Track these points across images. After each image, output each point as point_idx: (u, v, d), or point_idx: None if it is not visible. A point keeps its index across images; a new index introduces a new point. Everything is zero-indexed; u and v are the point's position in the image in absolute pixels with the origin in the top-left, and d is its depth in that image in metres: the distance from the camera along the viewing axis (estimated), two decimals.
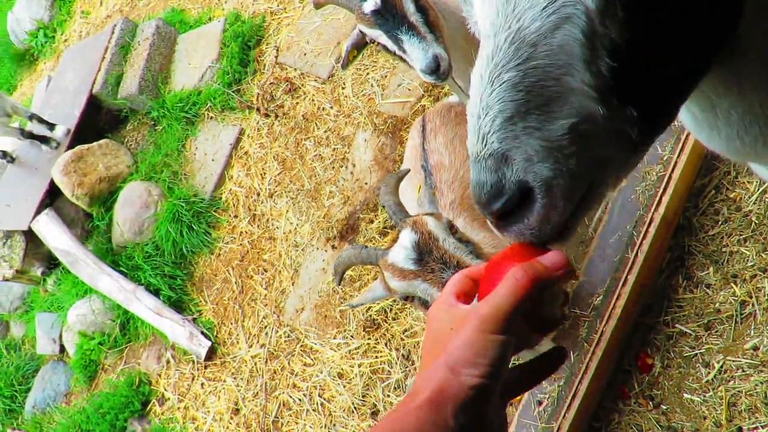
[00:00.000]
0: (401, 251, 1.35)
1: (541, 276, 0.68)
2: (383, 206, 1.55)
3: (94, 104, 4.64)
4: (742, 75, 0.75)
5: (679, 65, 0.66)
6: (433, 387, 0.66)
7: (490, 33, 0.64)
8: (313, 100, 3.97)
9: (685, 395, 1.91)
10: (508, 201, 0.65)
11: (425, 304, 1.43)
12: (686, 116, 0.87)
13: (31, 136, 4.46)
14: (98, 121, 4.73)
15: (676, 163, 1.96)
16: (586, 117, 0.63)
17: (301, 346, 3.41)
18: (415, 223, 1.39)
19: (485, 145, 0.64)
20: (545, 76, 0.62)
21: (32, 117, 4.46)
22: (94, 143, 4.45)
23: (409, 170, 1.77)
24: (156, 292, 3.99)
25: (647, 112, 0.65)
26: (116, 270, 4.08)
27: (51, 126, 4.49)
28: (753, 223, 1.95)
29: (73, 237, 4.18)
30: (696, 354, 1.93)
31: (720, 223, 2.01)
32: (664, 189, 1.96)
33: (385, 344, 3.04)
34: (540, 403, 2.16)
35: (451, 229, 1.41)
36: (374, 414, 2.97)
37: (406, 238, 1.36)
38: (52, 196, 4.36)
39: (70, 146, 4.42)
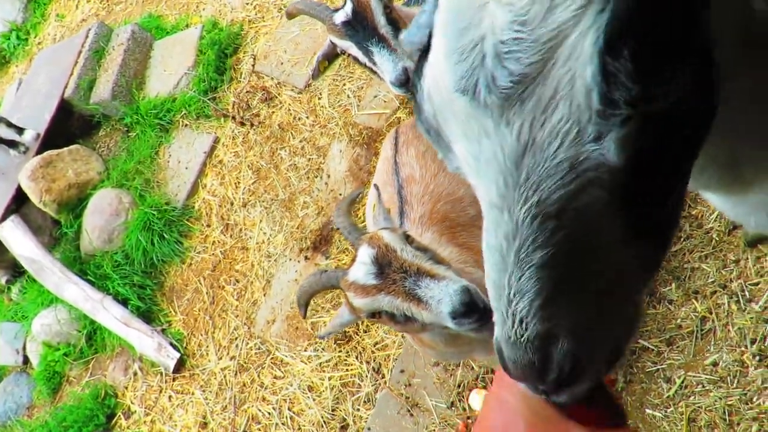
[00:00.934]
0: (361, 267, 1.34)
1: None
2: (337, 228, 1.55)
3: (65, 109, 4.56)
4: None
5: (681, 189, 0.67)
6: None
7: (500, 205, 0.60)
8: (289, 109, 3.96)
9: (647, 410, 1.93)
10: (560, 375, 0.63)
11: (393, 318, 1.41)
12: None
13: None
14: (69, 126, 4.65)
15: None
16: (619, 269, 0.62)
17: (272, 358, 3.36)
18: (371, 238, 1.39)
19: (526, 328, 0.61)
20: (574, 245, 0.59)
21: (0, 120, 4.36)
22: (64, 149, 4.36)
23: (360, 192, 1.78)
24: (124, 302, 3.91)
25: (662, 237, 0.67)
26: (83, 279, 3.99)
27: (20, 130, 4.40)
28: (713, 240, 1.99)
29: (39, 244, 4.08)
30: (658, 369, 1.96)
31: (682, 239, 2.05)
32: None
33: (356, 357, 3.02)
34: None
35: (408, 239, 1.41)
36: (343, 428, 2.94)
37: (364, 253, 1.35)
38: (19, 202, 4.26)
39: (39, 151, 4.32)
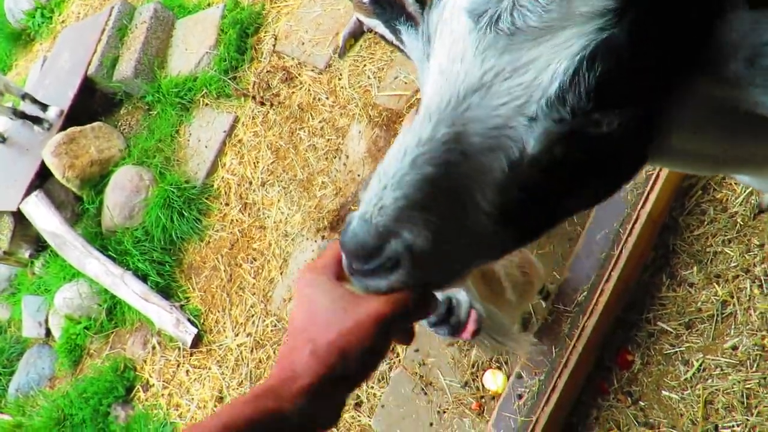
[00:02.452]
0: None
1: (425, 306, 0.75)
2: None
3: (88, 86, 4.61)
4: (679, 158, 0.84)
5: (570, 207, 0.75)
6: (316, 376, 0.68)
7: (433, 116, 0.66)
8: (309, 90, 3.96)
9: (664, 392, 1.93)
10: (379, 267, 0.68)
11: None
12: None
13: (23, 116, 4.43)
14: (92, 103, 4.70)
15: None
16: (477, 229, 0.68)
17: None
18: None
19: (381, 216, 0.66)
20: (461, 186, 0.66)
21: (25, 96, 4.43)
22: (87, 126, 4.42)
23: None
24: (144, 278, 3.97)
25: (525, 234, 0.74)
26: (104, 254, 4.06)
27: (44, 106, 4.46)
28: (738, 225, 1.96)
29: (63, 219, 4.16)
30: (676, 352, 1.95)
31: (705, 223, 2.02)
32: (652, 188, 1.97)
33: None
34: (520, 396, 2.17)
35: None
36: (358, 405, 2.97)
37: None
38: (43, 178, 4.33)
39: (63, 128, 4.39)
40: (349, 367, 0.69)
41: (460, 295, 1.36)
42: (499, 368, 2.58)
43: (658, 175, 1.99)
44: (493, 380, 2.53)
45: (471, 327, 1.35)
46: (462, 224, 0.68)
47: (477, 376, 2.64)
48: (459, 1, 0.67)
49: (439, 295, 1.33)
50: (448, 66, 0.67)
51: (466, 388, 2.66)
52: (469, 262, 0.74)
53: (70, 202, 4.43)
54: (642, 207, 1.97)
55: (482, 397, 2.59)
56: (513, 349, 1.98)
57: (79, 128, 4.36)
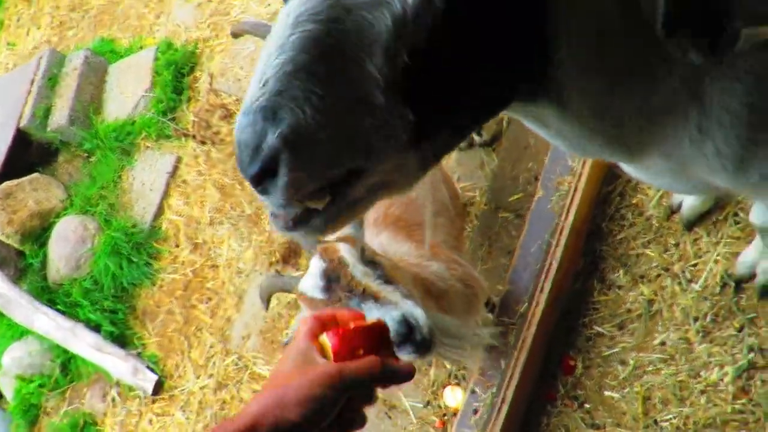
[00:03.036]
0: (310, 279, 1.39)
1: (391, 376, 0.79)
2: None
3: (22, 138, 4.49)
4: (566, 114, 0.84)
5: (468, 95, 0.70)
6: (257, 410, 0.73)
7: None
8: None
9: (606, 393, 2.03)
10: (263, 168, 0.63)
11: None
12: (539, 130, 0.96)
13: None
14: (27, 155, 4.58)
15: (581, 173, 2.09)
16: (366, 100, 0.62)
17: (250, 373, 3.39)
18: (325, 250, 1.43)
19: (263, 92, 0.62)
20: (345, 44, 0.61)
21: None
22: (24, 178, 4.30)
23: None
24: (97, 328, 3.87)
25: (426, 123, 0.67)
26: (53, 308, 3.94)
27: None
28: (654, 226, 2.10)
29: (5, 277, 4.02)
30: (612, 353, 2.05)
31: (626, 227, 2.15)
32: (572, 198, 2.09)
33: None
34: (476, 411, 2.23)
35: (363, 252, 1.45)
36: None
37: (316, 265, 1.40)
38: None
39: None
40: (286, 409, 0.72)
41: (416, 312, 1.33)
42: (458, 384, 2.64)
43: (576, 187, 2.11)
44: (453, 396, 2.59)
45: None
46: (350, 93, 0.61)
47: (437, 395, 2.69)
48: None
49: (395, 314, 1.31)
50: None
51: (429, 407, 2.71)
52: (365, 153, 0.65)
53: (12, 258, 4.29)
54: (566, 217, 2.09)
55: (444, 414, 2.65)
56: (468, 357, 2.00)
57: (15, 182, 4.24)
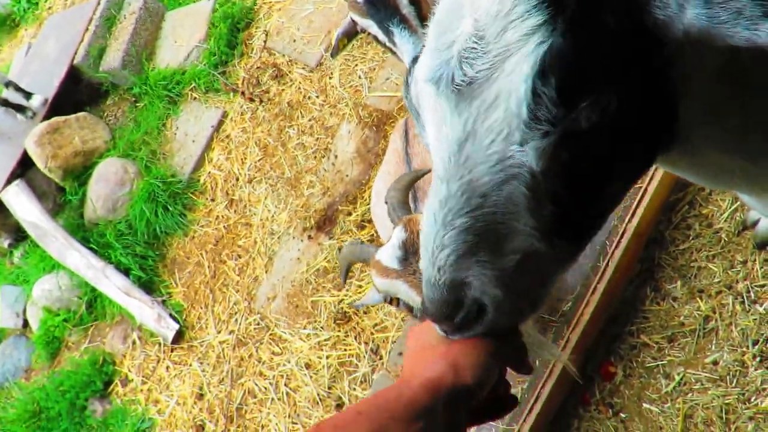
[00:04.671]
0: (388, 248, 1.33)
1: (523, 350, 0.87)
2: (386, 201, 1.51)
3: (74, 75, 4.52)
4: (694, 159, 0.89)
5: (607, 197, 0.79)
6: (434, 374, 0.76)
7: (443, 177, 0.72)
8: (299, 87, 3.93)
9: (644, 405, 1.94)
10: (467, 315, 0.75)
11: (409, 309, 1.38)
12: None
13: (6, 103, 4.34)
14: (77, 93, 4.61)
15: (652, 176, 1.98)
16: (531, 253, 0.73)
17: (271, 334, 3.38)
18: (408, 221, 1.36)
19: (442, 274, 0.74)
20: (493, 221, 0.71)
21: (9, 84, 4.33)
22: (72, 116, 4.34)
23: (428, 171, 1.72)
24: (126, 272, 3.92)
25: (579, 237, 0.79)
26: (86, 246, 3.99)
27: (28, 95, 4.37)
28: (722, 240, 1.98)
29: (44, 210, 4.08)
30: (658, 365, 1.96)
31: (691, 238, 2.04)
32: (639, 201, 1.98)
33: (355, 337, 3.03)
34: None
35: None
36: (339, 406, 2.96)
37: (396, 235, 1.33)
38: (24, 167, 4.25)
39: (47, 117, 4.30)
40: (461, 373, 0.76)
41: None
42: None
43: (645, 190, 2.00)
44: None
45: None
46: (513, 254, 0.73)
47: None
48: (421, 73, 0.75)
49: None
50: (437, 132, 0.74)
51: None
52: (543, 282, 0.79)
53: (52, 192, 4.35)
54: (629, 221, 1.99)
55: None
56: (550, 357, 1.95)
57: (63, 118, 4.28)
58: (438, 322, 0.79)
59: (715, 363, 1.87)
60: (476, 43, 0.68)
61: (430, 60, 0.73)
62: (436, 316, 0.77)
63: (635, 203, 2.00)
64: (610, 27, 0.65)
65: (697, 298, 1.96)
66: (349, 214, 3.41)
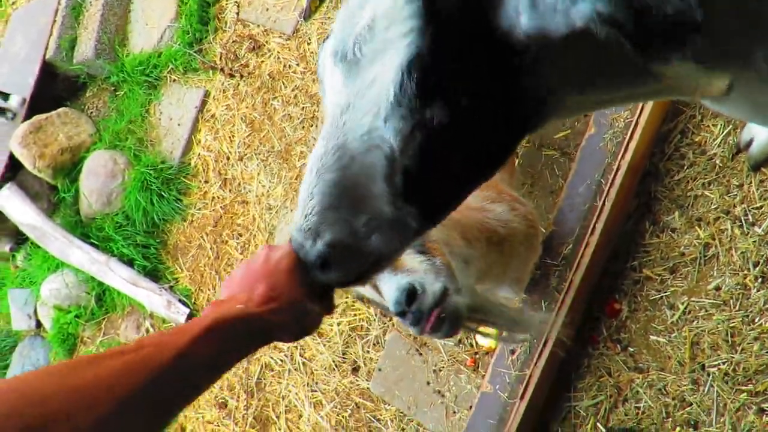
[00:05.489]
0: None
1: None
2: None
3: (48, 71, 4.42)
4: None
5: (458, 185, 0.92)
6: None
7: (324, 136, 0.85)
8: (278, 57, 3.84)
9: (652, 337, 1.97)
10: (315, 262, 0.90)
11: (383, 306, 1.37)
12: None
13: None
14: (55, 88, 4.52)
15: (642, 109, 1.95)
16: (380, 214, 0.86)
17: None
18: None
19: (306, 221, 0.87)
20: (356, 182, 0.84)
21: None
22: (53, 112, 4.26)
23: None
24: (130, 263, 3.93)
25: (426, 210, 0.90)
26: (87, 242, 3.99)
27: (5, 96, 4.29)
28: (717, 166, 1.97)
29: (39, 211, 4.06)
30: (661, 297, 1.98)
31: (685, 167, 2.03)
32: (631, 135, 1.96)
33: (363, 302, 3.06)
34: (513, 352, 2.21)
35: None
36: (355, 370, 3.02)
37: None
38: (13, 170, 4.20)
39: (27, 117, 4.22)
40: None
41: (428, 282, 1.25)
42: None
43: (637, 123, 1.97)
44: (484, 337, 2.57)
45: (430, 322, 1.21)
46: (368, 214, 0.86)
47: (469, 335, 2.68)
48: (326, 47, 0.88)
49: (403, 282, 1.24)
50: (330, 97, 0.87)
51: (460, 345, 2.70)
52: (390, 246, 0.91)
53: (45, 192, 4.32)
54: (623, 156, 1.97)
55: (476, 353, 2.64)
56: (528, 332, 1.95)
57: (44, 116, 4.21)
58: (299, 259, 0.93)
59: (717, 289, 1.89)
60: (369, 31, 0.80)
61: (335, 37, 0.85)
62: (297, 254, 0.93)
63: (627, 138, 1.97)
64: (467, 38, 0.77)
65: (696, 227, 1.96)
66: None
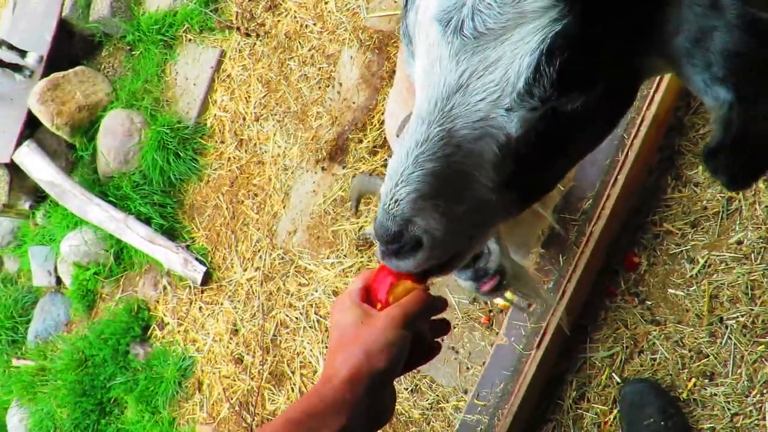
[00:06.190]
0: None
1: (434, 304, 0.92)
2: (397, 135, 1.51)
3: (65, 29, 4.41)
4: None
5: (562, 167, 0.87)
6: (350, 368, 0.82)
7: (425, 118, 0.74)
8: (295, 17, 3.80)
9: (670, 290, 1.97)
10: (402, 247, 0.81)
11: None
12: None
13: (2, 64, 4.27)
14: (71, 47, 4.52)
15: None
16: (483, 203, 0.79)
17: (295, 267, 3.46)
18: None
19: (397, 206, 0.78)
20: (460, 171, 0.76)
21: (1, 44, 4.25)
22: (70, 71, 4.27)
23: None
24: (147, 221, 3.98)
25: (528, 195, 0.85)
26: (105, 200, 4.04)
27: (22, 53, 4.29)
28: None
29: (58, 168, 4.11)
30: (681, 251, 1.98)
31: (711, 121, 1.99)
32: (656, 88, 1.93)
33: (378, 261, 3.08)
34: (529, 305, 2.23)
35: None
36: None
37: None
38: (32, 127, 4.24)
39: (44, 74, 4.24)
40: (374, 359, 0.83)
41: (492, 245, 1.30)
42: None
43: (662, 77, 1.94)
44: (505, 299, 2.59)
45: (492, 282, 1.28)
46: (468, 202, 0.78)
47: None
48: (429, 8, 0.74)
49: None
50: (429, 69, 0.74)
51: (475, 304, 2.73)
52: (482, 229, 0.86)
53: (63, 150, 4.36)
54: (647, 109, 1.94)
55: (491, 311, 2.66)
56: (535, 301, 2.00)
57: (61, 74, 4.22)
58: (380, 242, 0.85)
59: (739, 243, 1.88)
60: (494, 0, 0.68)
61: None
62: (380, 237, 0.84)
63: (652, 90, 1.94)
64: (621, 21, 0.67)
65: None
66: (360, 141, 3.39)
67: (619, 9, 0.66)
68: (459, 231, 0.81)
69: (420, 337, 0.92)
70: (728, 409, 1.77)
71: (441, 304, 0.95)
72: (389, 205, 0.78)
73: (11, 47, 4.26)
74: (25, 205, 4.48)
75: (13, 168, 4.27)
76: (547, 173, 0.84)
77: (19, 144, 4.16)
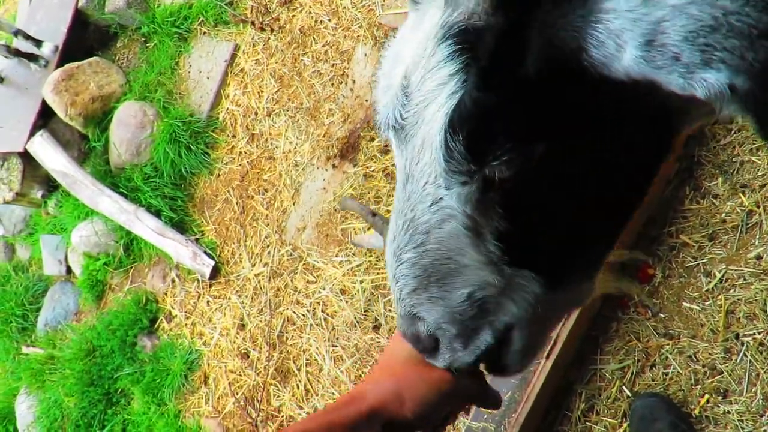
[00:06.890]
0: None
1: (484, 398, 0.90)
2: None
3: (81, 20, 4.42)
4: None
5: (596, 230, 0.77)
6: (378, 401, 0.81)
7: (394, 211, 0.76)
8: (309, 12, 3.77)
9: (684, 304, 1.93)
10: (424, 347, 0.81)
11: None
12: None
13: (18, 53, 4.29)
14: (86, 37, 4.53)
15: None
16: (482, 285, 0.74)
17: (304, 264, 3.44)
18: None
19: (402, 305, 0.78)
20: (439, 257, 0.73)
21: (17, 33, 4.26)
22: (84, 61, 4.28)
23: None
24: (157, 214, 3.99)
25: (549, 271, 0.75)
26: (116, 192, 4.05)
27: (38, 43, 4.31)
28: None
29: (71, 159, 4.12)
30: (698, 264, 1.93)
31: (732, 132, 1.95)
32: None
33: None
34: None
35: None
36: (376, 328, 3.04)
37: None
38: (46, 117, 4.26)
39: (59, 64, 4.25)
40: (404, 407, 0.81)
41: None
42: None
43: None
44: None
45: None
46: (465, 287, 0.75)
47: None
48: (379, 116, 0.77)
49: None
50: (397, 165, 0.77)
51: None
52: (507, 315, 0.79)
53: (76, 141, 4.38)
54: None
55: None
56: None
57: (76, 64, 4.23)
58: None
59: (758, 258, 1.83)
60: (404, 89, 0.69)
61: (380, 104, 0.76)
62: (406, 340, 0.84)
63: None
64: (531, 78, 0.61)
65: (740, 194, 1.89)
66: (372, 139, 3.36)
67: (527, 64, 0.61)
68: (474, 323, 0.77)
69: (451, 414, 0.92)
70: (741, 427, 1.73)
71: (492, 399, 0.92)
72: (398, 305, 0.80)
73: (27, 37, 4.27)
74: (37, 194, 4.51)
75: (26, 157, 4.30)
76: (569, 243, 0.75)
77: (32, 134, 4.18)
